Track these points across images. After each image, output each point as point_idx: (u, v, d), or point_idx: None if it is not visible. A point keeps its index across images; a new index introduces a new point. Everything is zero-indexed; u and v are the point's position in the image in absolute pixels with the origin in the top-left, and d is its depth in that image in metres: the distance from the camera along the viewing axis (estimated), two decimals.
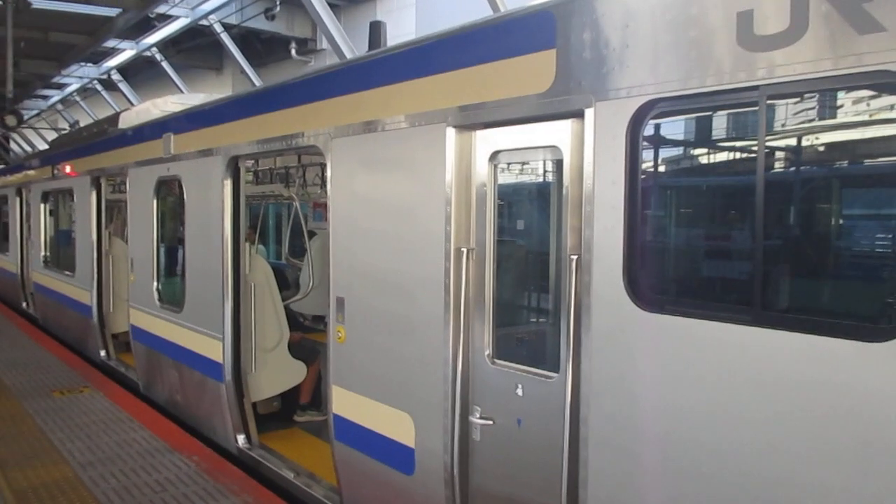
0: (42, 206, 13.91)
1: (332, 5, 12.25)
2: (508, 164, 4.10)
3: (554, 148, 3.71)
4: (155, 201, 8.47)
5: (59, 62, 18.43)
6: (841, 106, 2.81)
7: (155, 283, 8.45)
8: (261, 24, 15.31)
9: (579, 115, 3.45)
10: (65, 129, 22.29)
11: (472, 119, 4.04)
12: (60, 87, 23.37)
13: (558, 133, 3.65)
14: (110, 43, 16.83)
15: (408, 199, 4.53)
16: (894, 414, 2.44)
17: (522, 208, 4.33)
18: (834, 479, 2.60)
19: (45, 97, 25.41)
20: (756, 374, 2.81)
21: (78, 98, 23.47)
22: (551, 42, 3.56)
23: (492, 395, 4.06)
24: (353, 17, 14.92)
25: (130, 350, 9.40)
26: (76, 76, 20.83)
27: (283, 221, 12.46)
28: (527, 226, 4.26)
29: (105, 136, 10.50)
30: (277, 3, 14.11)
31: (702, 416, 2.98)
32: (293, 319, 7.70)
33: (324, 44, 15.55)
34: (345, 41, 11.73)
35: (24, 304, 15.39)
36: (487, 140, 4.07)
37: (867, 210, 2.96)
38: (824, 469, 2.62)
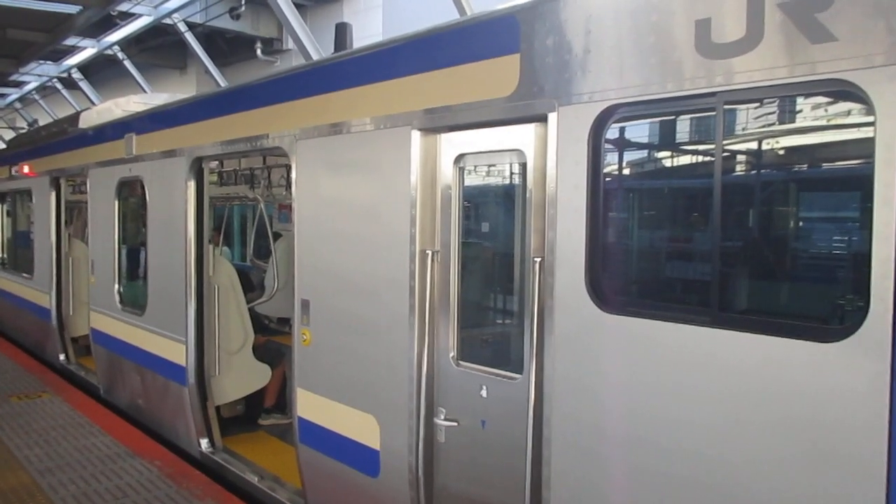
0: None
1: (298, 5, 12.17)
2: (473, 167, 4.12)
3: (518, 151, 3.74)
4: (116, 202, 8.33)
5: (18, 60, 17.98)
6: (796, 112, 2.89)
7: (116, 286, 8.32)
8: (226, 23, 15.15)
9: (543, 119, 3.49)
10: (23, 129, 21.82)
11: (438, 122, 4.06)
12: (18, 85, 22.82)
13: (522, 137, 3.69)
14: (70, 41, 16.48)
15: (373, 201, 4.53)
16: (845, 412, 2.52)
17: (487, 211, 4.35)
18: (790, 478, 2.66)
19: (3, 95, 24.79)
20: (715, 375, 2.87)
21: (37, 96, 22.96)
22: (515, 47, 3.60)
23: (456, 396, 4.08)
24: (320, 17, 14.84)
25: (91, 354, 9.23)
26: (35, 74, 20.37)
27: (249, 223, 12.35)
28: (491, 228, 4.29)
29: (65, 136, 10.30)
30: (242, 2, 13.98)
31: (662, 416, 3.04)
32: (258, 322, 7.64)
33: (290, 44, 15.44)
34: (311, 42, 11.67)
35: None
36: (452, 143, 4.09)
37: (820, 213, 3.05)
38: (780, 466, 2.69)
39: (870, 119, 2.49)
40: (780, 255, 3.01)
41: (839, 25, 2.52)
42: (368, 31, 12.62)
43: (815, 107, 2.81)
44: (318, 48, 11.52)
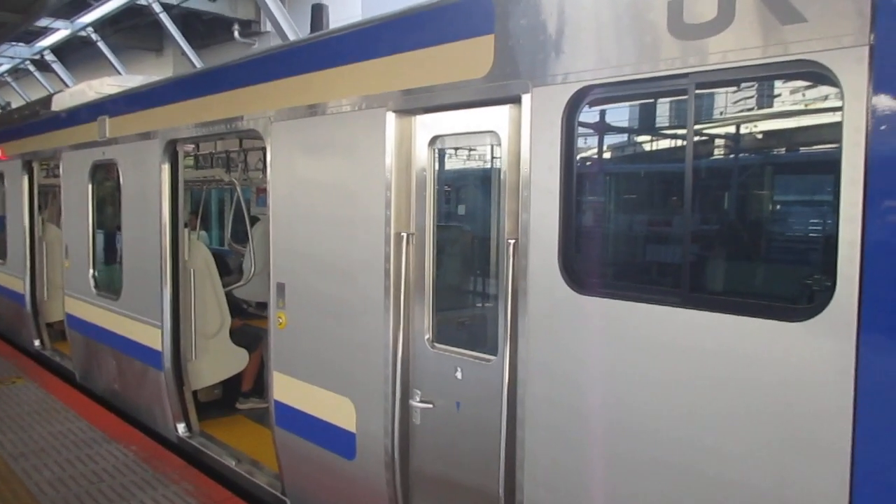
0: None
1: None
2: (448, 148, 4.11)
3: (492, 133, 3.74)
4: (90, 186, 8.22)
5: None
6: (767, 94, 2.90)
7: (91, 271, 8.22)
8: (202, 4, 14.96)
9: (517, 100, 3.48)
10: None
11: (412, 103, 4.04)
12: None
13: (496, 118, 3.68)
14: (43, 22, 16.19)
15: (348, 183, 4.50)
16: (812, 389, 2.55)
17: (462, 193, 4.35)
18: (757, 455, 2.70)
19: None
20: (685, 355, 2.89)
21: (9, 79, 22.60)
22: (490, 27, 3.58)
23: (432, 378, 4.09)
24: None
25: (66, 339, 9.14)
26: (7, 56, 20.02)
27: (227, 207, 12.26)
28: (466, 210, 4.29)
29: (37, 119, 10.13)
30: None
31: (634, 396, 3.06)
32: (236, 306, 7.59)
33: (268, 26, 15.27)
34: (288, 24, 11.57)
35: None
36: (427, 125, 4.07)
37: (788, 196, 3.07)
38: (748, 444, 2.72)
39: (838, 101, 2.50)
40: (750, 236, 3.03)
41: (808, 6, 2.53)
42: (347, 14, 12.49)
43: (786, 88, 2.82)
44: (296, 30, 11.42)
